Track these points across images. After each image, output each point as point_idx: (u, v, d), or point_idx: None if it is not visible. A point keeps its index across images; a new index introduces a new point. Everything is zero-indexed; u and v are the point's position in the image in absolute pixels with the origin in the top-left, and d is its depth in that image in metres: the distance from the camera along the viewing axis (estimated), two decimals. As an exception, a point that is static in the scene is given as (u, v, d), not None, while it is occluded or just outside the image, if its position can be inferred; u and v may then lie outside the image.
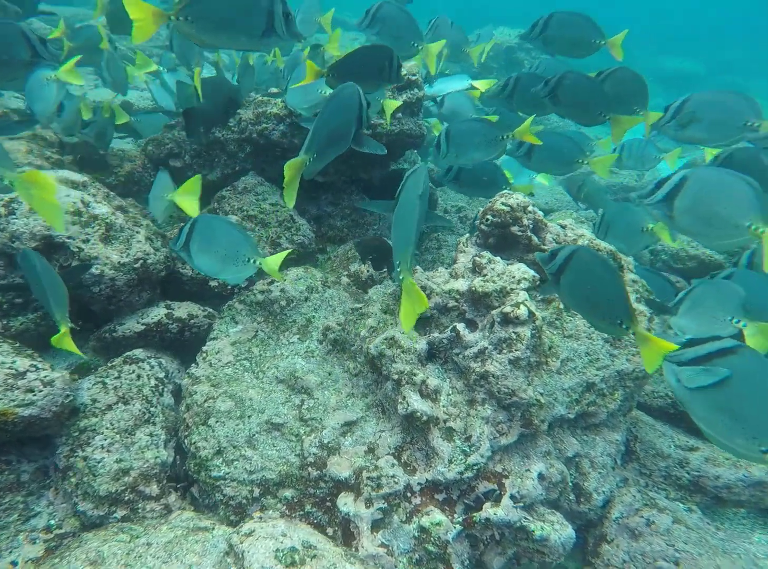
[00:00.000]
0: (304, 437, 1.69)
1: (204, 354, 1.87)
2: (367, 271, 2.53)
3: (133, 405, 1.62)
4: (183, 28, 1.57)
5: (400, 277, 1.39)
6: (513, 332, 1.60)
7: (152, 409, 1.66)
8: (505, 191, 1.98)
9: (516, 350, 1.59)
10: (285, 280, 2.07)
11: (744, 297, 1.74)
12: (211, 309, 2.04)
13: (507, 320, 1.62)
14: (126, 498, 1.50)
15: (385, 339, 1.72)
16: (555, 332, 1.84)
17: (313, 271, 2.25)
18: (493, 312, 1.66)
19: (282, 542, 1.25)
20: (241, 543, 1.22)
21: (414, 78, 2.55)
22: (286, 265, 2.27)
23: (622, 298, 1.34)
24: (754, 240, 1.57)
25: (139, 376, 1.70)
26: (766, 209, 1.49)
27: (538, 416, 1.62)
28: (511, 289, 1.70)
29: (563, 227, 1.99)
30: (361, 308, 1.91)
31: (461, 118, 2.67)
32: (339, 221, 2.78)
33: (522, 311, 1.59)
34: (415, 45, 2.33)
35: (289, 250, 1.83)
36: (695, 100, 1.99)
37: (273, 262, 1.69)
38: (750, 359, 1.20)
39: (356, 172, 2.71)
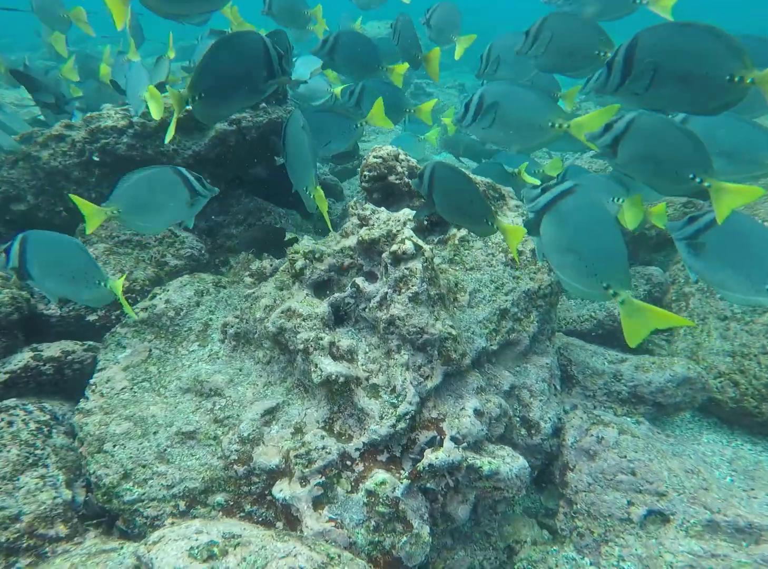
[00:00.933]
0: (222, 437, 1.55)
1: (93, 387, 1.70)
2: (271, 265, 2.44)
3: (9, 451, 1.43)
4: (197, 109, 1.51)
5: (310, 195, 1.46)
6: (405, 269, 1.54)
7: (38, 452, 1.47)
8: (376, 147, 1.95)
9: (412, 286, 1.53)
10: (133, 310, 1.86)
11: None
12: (91, 343, 1.87)
13: (397, 259, 1.56)
14: (25, 545, 1.32)
15: (282, 312, 1.62)
16: (457, 268, 1.81)
17: (202, 275, 2.14)
18: (383, 255, 1.60)
19: (197, 539, 1.11)
20: (149, 551, 1.07)
21: None
22: (173, 277, 2.15)
23: (481, 201, 1.44)
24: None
25: (11, 423, 1.52)
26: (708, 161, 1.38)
27: (456, 350, 1.56)
28: (397, 231, 1.66)
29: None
30: (254, 292, 1.81)
31: (317, 98, 2.64)
32: (234, 229, 2.67)
33: (408, 245, 1.54)
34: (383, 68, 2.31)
35: (123, 276, 1.69)
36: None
37: (121, 284, 1.59)
38: (581, 197, 1.25)
39: (237, 173, 2.62)
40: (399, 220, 1.72)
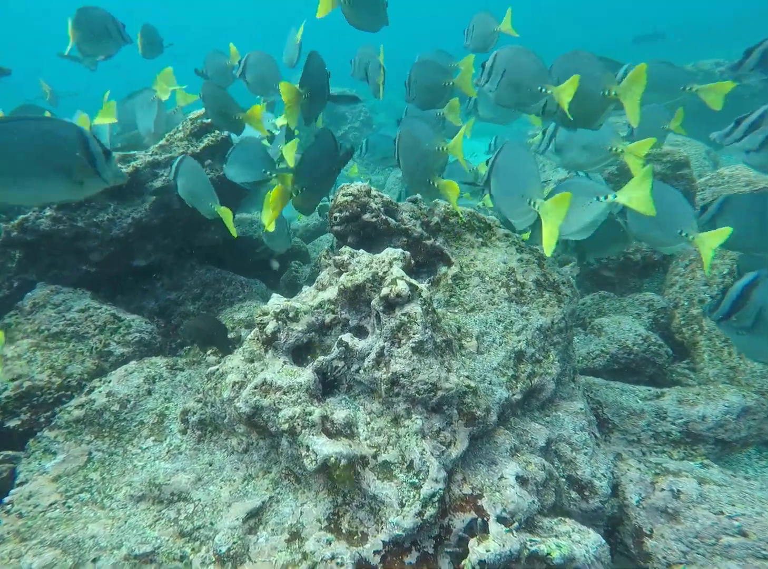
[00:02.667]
0: (192, 556, 1.17)
1: (7, 506, 1.30)
2: (237, 338, 2.13)
3: None
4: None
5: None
6: (402, 315, 1.28)
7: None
8: (342, 184, 1.74)
9: (414, 334, 1.26)
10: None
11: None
12: (9, 452, 1.48)
13: (390, 304, 1.30)
14: None
15: (256, 387, 1.30)
16: (456, 310, 1.56)
17: (153, 359, 1.80)
18: (372, 302, 1.33)
19: None
20: None
21: (208, 121, 2.33)
22: (119, 365, 1.80)
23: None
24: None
25: None
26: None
27: (478, 406, 1.27)
28: (384, 272, 1.40)
29: (414, 201, 1.77)
30: (219, 369, 1.48)
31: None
32: (191, 305, 2.36)
33: (401, 286, 1.28)
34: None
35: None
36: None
37: None
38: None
39: (188, 240, 2.35)
40: (383, 261, 1.47)
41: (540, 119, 2.08)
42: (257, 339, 1.54)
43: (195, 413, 1.48)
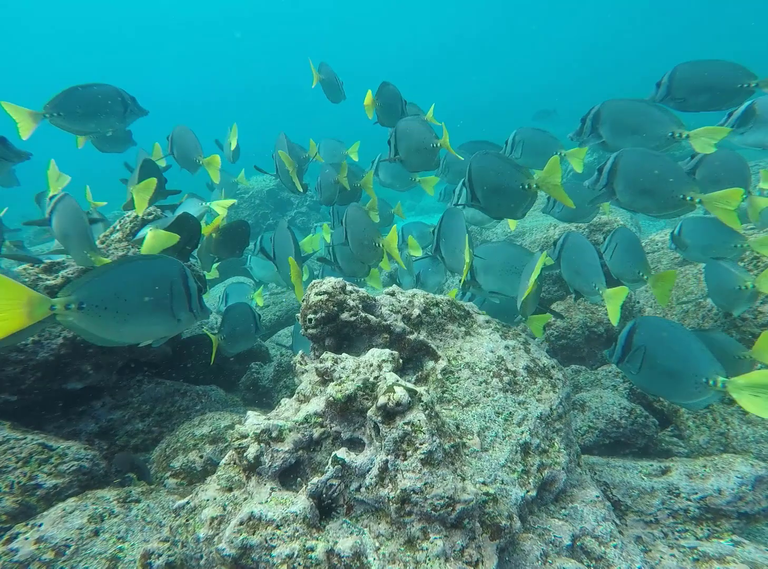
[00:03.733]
0: None
1: None
2: (201, 456, 1.91)
3: None
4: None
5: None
6: (404, 424, 1.17)
7: None
8: (314, 281, 1.66)
9: (421, 444, 1.15)
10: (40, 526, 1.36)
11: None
12: None
13: (389, 414, 1.19)
14: None
15: (241, 523, 1.12)
16: (451, 407, 1.46)
17: (99, 492, 1.57)
18: (368, 413, 1.22)
19: None
20: None
21: (150, 216, 2.23)
22: (56, 502, 1.54)
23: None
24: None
25: None
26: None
27: (500, 514, 1.15)
28: (376, 378, 1.31)
29: (392, 294, 1.72)
30: (189, 502, 1.29)
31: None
32: (139, 423, 2.12)
33: (399, 393, 1.19)
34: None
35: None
36: None
37: None
38: None
39: (133, 355, 2.16)
40: (371, 365, 1.37)
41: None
42: (234, 463, 1.37)
43: (161, 555, 1.26)
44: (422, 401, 1.21)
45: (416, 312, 1.63)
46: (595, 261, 1.91)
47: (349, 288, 1.62)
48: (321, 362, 1.42)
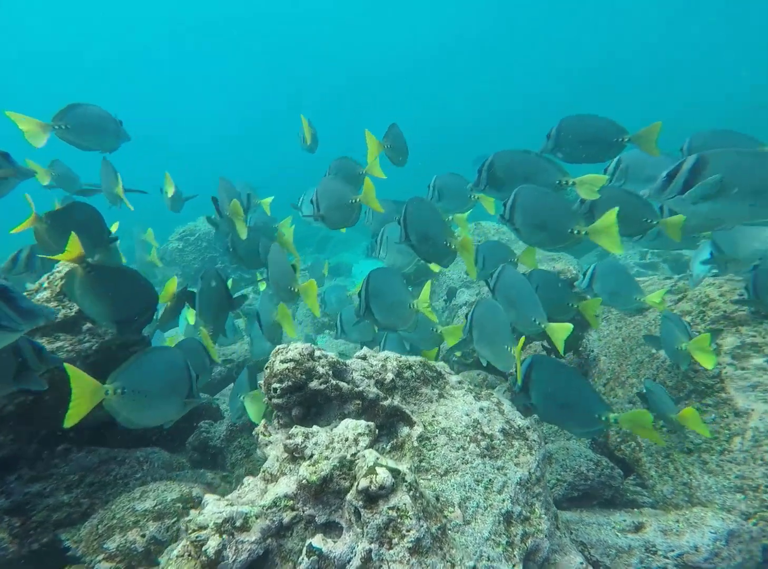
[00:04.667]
0: None
1: None
2: (143, 536, 1.74)
3: None
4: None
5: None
6: (388, 510, 1.08)
7: None
8: (279, 347, 1.56)
9: (408, 531, 1.06)
10: None
11: None
12: None
13: (371, 498, 1.10)
14: None
15: None
16: (429, 476, 1.38)
17: None
18: (348, 497, 1.13)
19: None
20: None
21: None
22: None
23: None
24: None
25: None
26: None
27: (487, 602, 1.08)
28: (354, 456, 1.22)
29: (364, 358, 1.64)
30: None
31: None
32: (64, 495, 1.91)
33: (383, 476, 1.10)
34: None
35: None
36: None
37: None
38: None
39: (59, 425, 1.96)
40: (347, 439, 1.28)
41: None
42: (189, 556, 1.22)
43: None
44: (406, 481, 1.13)
45: (390, 376, 1.56)
46: (530, 293, 1.98)
47: (317, 353, 1.53)
48: (290, 438, 1.31)
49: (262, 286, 3.98)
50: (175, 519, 1.88)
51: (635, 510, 1.96)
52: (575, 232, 1.89)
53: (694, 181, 1.50)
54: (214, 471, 2.63)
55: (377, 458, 1.16)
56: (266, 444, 1.49)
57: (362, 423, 1.32)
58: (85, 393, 1.50)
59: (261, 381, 1.57)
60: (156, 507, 1.91)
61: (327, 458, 1.22)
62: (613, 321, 2.73)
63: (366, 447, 1.26)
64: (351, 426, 1.33)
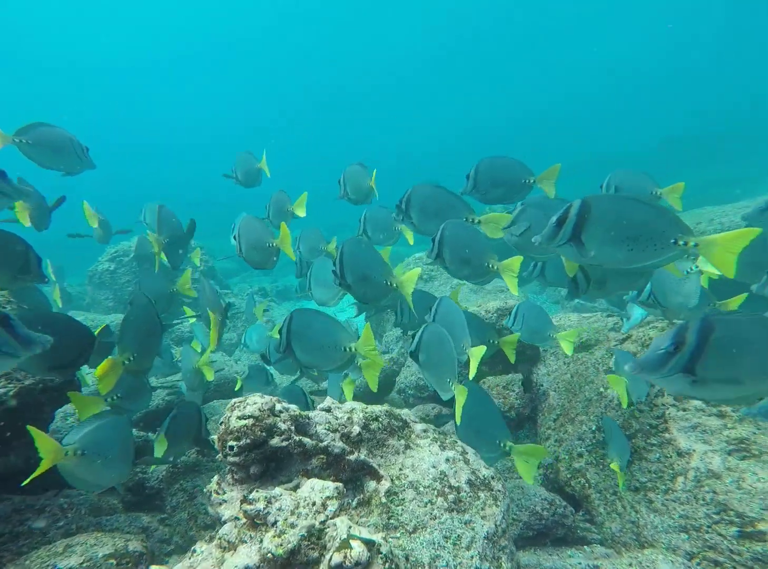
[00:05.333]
0: None
1: None
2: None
3: None
4: None
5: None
6: (364, 584, 1.03)
7: None
8: (235, 401, 1.46)
9: (385, 607, 1.01)
10: None
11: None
12: None
13: (346, 572, 1.04)
14: None
15: None
16: (398, 534, 1.34)
17: None
18: (321, 571, 1.06)
19: None
20: None
21: None
22: None
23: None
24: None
25: None
26: None
27: None
28: (323, 524, 1.15)
29: (328, 410, 1.58)
30: None
31: None
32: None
33: (357, 550, 1.05)
34: None
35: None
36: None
37: None
38: None
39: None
40: (314, 503, 1.21)
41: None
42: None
43: None
44: (382, 553, 1.08)
45: (356, 429, 1.50)
46: (463, 322, 2.08)
47: (278, 407, 1.45)
48: (250, 504, 1.22)
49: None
50: (108, 583, 1.72)
51: (586, 548, 2.01)
52: (490, 266, 2.00)
53: (581, 226, 1.52)
54: (151, 515, 2.44)
55: (350, 527, 1.10)
56: (220, 504, 1.38)
57: (330, 485, 1.25)
58: (49, 453, 1.59)
59: (214, 437, 1.46)
60: (84, 565, 1.73)
61: (293, 525, 1.15)
62: (560, 356, 2.81)
63: (335, 513, 1.20)
64: (318, 488, 1.26)
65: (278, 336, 2.03)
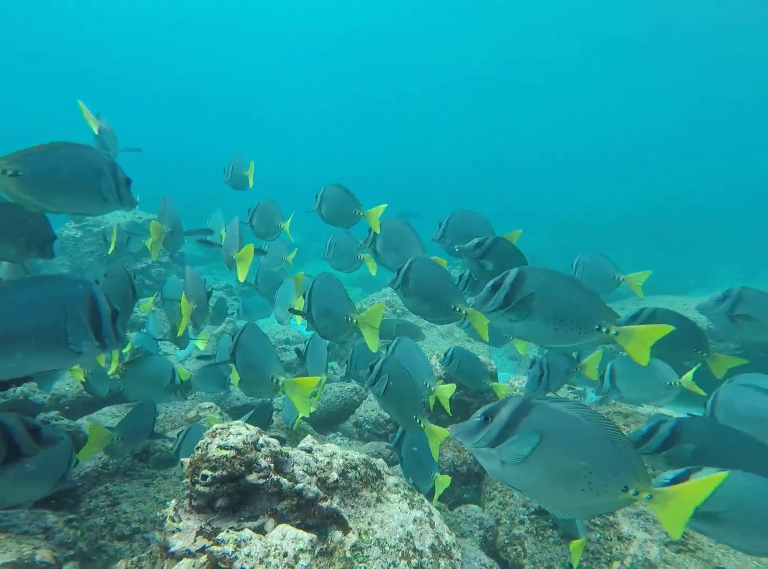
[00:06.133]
0: None
1: None
2: None
3: None
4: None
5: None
6: None
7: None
8: (217, 427, 1.39)
9: None
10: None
11: None
12: None
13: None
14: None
15: None
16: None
17: None
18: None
19: None
20: None
21: None
22: None
23: None
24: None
25: None
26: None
27: None
28: (297, 578, 1.10)
29: (309, 450, 1.52)
30: None
31: None
32: None
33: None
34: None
35: None
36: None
37: None
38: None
39: None
40: (286, 554, 1.15)
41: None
42: None
43: None
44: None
45: (334, 476, 1.45)
46: (425, 361, 2.19)
47: (260, 441, 1.39)
48: (218, 545, 1.15)
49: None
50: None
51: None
52: (456, 309, 2.04)
53: (514, 294, 1.54)
54: (59, 513, 2.24)
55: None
56: (172, 532, 1.29)
57: (304, 536, 1.20)
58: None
59: (185, 460, 1.38)
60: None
61: (264, 579, 1.08)
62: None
63: (305, 567, 1.14)
64: (290, 537, 1.20)
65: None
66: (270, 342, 2.08)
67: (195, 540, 1.26)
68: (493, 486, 2.60)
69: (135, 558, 1.38)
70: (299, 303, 3.28)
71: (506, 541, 2.33)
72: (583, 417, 1.14)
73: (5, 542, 1.73)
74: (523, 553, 2.24)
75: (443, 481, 2.07)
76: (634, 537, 2.02)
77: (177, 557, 1.19)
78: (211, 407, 3.16)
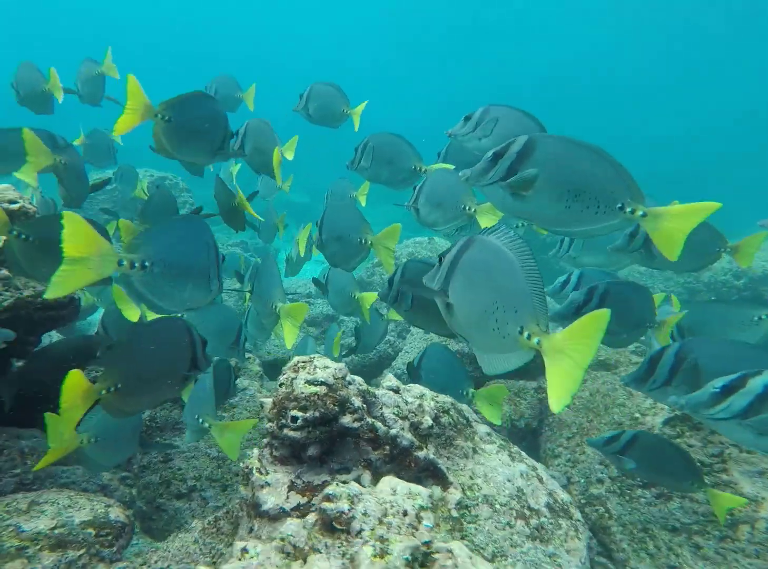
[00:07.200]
0: None
1: None
2: None
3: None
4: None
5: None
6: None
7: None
8: (299, 360, 1.18)
9: None
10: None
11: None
12: None
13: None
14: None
15: None
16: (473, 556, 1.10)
17: None
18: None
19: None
20: None
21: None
22: None
23: None
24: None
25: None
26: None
27: None
28: (427, 544, 0.89)
29: (396, 391, 1.31)
30: None
31: None
32: None
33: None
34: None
35: None
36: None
37: None
38: None
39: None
40: (405, 512, 0.95)
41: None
42: None
43: None
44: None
45: (428, 421, 1.25)
46: (459, 368, 1.94)
47: (349, 377, 1.18)
48: (330, 501, 0.95)
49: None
50: (83, 551, 1.40)
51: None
52: (416, 168, 2.08)
53: (519, 167, 1.24)
54: (112, 471, 2.11)
55: (470, 557, 0.85)
56: (262, 487, 1.11)
57: (422, 490, 1.00)
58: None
59: (265, 400, 1.18)
60: (56, 532, 1.41)
61: (383, 540, 0.88)
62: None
63: (431, 529, 0.94)
64: (402, 492, 1.00)
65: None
66: (279, 273, 1.96)
67: (288, 497, 1.07)
68: (557, 443, 2.40)
69: (211, 518, 1.21)
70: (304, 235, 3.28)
71: (583, 501, 2.14)
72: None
73: (76, 499, 1.57)
74: (607, 514, 2.05)
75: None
76: (763, 498, 1.77)
77: (272, 516, 1.00)
78: (251, 358, 2.98)
